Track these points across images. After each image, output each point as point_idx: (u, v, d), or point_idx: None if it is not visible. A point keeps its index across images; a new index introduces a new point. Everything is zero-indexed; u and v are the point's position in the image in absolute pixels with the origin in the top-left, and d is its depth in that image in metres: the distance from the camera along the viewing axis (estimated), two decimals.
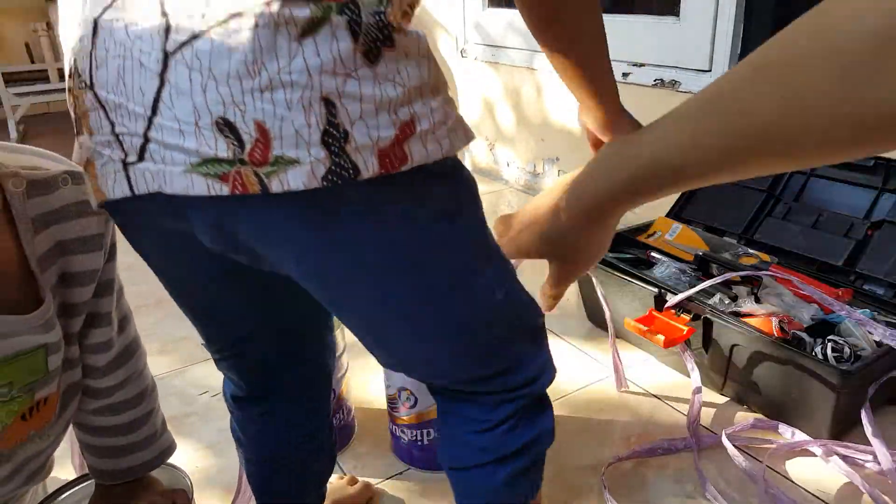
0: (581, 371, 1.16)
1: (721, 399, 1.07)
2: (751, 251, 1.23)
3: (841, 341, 0.96)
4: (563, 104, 1.84)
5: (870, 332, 0.98)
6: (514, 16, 1.99)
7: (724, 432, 0.95)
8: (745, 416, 1.02)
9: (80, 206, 0.57)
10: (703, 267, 1.20)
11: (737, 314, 1.05)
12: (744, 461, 0.91)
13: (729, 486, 0.88)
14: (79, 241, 0.57)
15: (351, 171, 0.41)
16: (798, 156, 0.43)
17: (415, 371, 0.59)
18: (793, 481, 0.89)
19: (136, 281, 0.81)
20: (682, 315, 1.07)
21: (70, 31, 0.48)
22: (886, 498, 0.83)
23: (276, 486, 0.73)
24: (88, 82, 0.46)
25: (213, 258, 0.52)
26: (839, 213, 1.19)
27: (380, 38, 0.42)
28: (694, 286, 1.10)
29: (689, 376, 1.07)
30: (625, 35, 1.62)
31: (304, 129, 0.40)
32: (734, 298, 1.09)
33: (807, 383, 0.94)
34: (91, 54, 0.45)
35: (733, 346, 1.02)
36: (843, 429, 0.95)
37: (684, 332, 1.03)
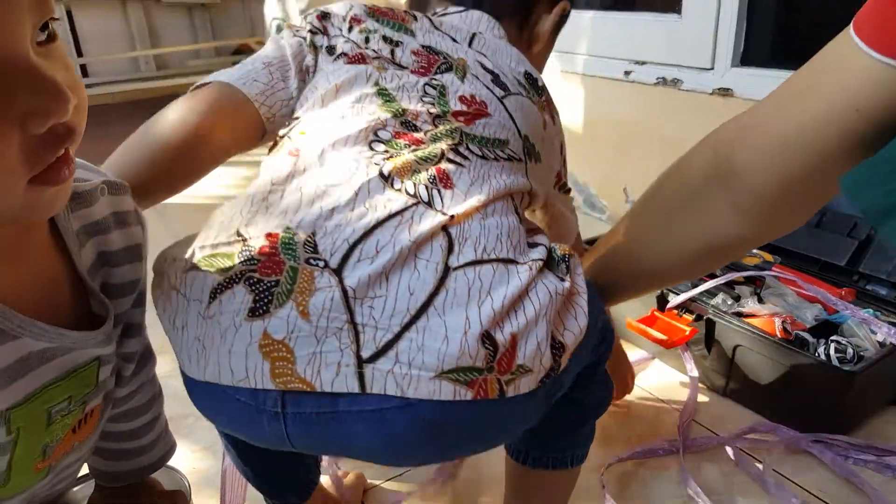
0: None
1: (723, 400, 1.06)
2: (754, 251, 1.23)
3: (844, 342, 0.95)
4: (562, 104, 1.83)
5: (873, 332, 0.97)
6: None
7: (725, 434, 0.94)
8: (747, 417, 1.01)
9: (117, 217, 0.55)
10: None
11: (739, 314, 1.04)
12: (745, 462, 0.90)
13: (730, 487, 0.88)
14: (120, 253, 0.55)
15: (556, 369, 0.49)
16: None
17: None
18: (795, 482, 0.88)
19: None
20: (684, 315, 1.07)
21: (311, 210, 0.51)
22: (890, 499, 0.82)
23: (271, 465, 0.71)
24: (335, 266, 0.48)
25: None
26: (842, 212, 1.18)
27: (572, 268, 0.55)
28: (696, 286, 1.09)
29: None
30: (626, 33, 1.61)
31: (543, 342, 0.48)
32: (737, 299, 1.09)
33: (810, 384, 0.93)
34: (355, 244, 0.49)
35: (736, 346, 1.01)
36: (846, 429, 0.95)
37: (687, 333, 1.03)
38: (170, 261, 0.55)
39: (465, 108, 0.61)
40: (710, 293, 1.10)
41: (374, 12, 0.70)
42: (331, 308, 0.46)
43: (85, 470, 0.70)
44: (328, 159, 0.55)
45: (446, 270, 0.48)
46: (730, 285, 1.11)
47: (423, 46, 0.66)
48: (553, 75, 1.86)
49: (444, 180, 0.54)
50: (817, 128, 0.47)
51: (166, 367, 0.71)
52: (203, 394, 0.52)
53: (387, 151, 0.55)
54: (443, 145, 0.56)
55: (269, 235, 0.49)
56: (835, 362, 0.92)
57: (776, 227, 0.57)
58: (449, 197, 0.53)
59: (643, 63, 1.58)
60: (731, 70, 1.40)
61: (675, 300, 1.08)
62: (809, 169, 0.49)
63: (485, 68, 0.67)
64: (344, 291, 0.46)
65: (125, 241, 0.56)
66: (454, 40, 0.70)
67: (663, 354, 1.15)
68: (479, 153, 0.58)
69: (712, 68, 1.43)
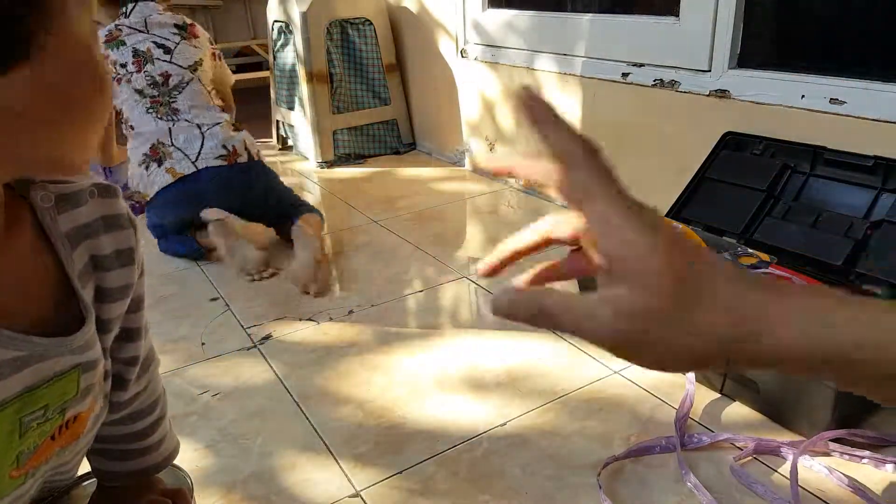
0: (580, 370, 1.16)
1: (720, 399, 1.07)
2: (750, 251, 1.23)
3: None
4: (562, 105, 1.84)
5: None
6: (513, 16, 1.99)
7: (722, 431, 0.95)
8: (744, 416, 1.02)
9: (108, 221, 0.55)
10: None
11: None
12: (742, 460, 0.91)
13: (728, 486, 0.88)
14: (112, 256, 0.55)
15: (250, 157, 1.80)
16: None
17: None
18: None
19: None
20: None
21: (145, 131, 1.78)
22: (888, 495, 0.83)
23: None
24: (170, 143, 1.73)
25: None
26: (838, 212, 1.19)
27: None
28: None
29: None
30: (624, 35, 1.62)
31: (242, 144, 1.78)
32: None
33: (806, 382, 0.94)
34: (170, 134, 1.75)
35: None
36: (843, 428, 0.95)
37: None
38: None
39: (161, 79, 1.80)
40: None
41: (109, 43, 1.82)
42: (179, 156, 1.72)
43: (87, 468, 0.71)
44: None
45: (202, 133, 1.77)
46: None
47: (133, 51, 1.80)
48: (551, 77, 1.88)
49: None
50: None
51: (165, 367, 0.72)
52: (165, 191, 1.73)
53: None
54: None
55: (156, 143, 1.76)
56: None
57: None
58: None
59: (641, 65, 1.59)
60: (728, 72, 1.41)
61: None
62: None
63: (158, 46, 1.81)
64: (179, 149, 1.72)
65: (115, 245, 0.55)
66: (140, 31, 1.80)
67: None
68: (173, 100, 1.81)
69: (709, 70, 1.44)
